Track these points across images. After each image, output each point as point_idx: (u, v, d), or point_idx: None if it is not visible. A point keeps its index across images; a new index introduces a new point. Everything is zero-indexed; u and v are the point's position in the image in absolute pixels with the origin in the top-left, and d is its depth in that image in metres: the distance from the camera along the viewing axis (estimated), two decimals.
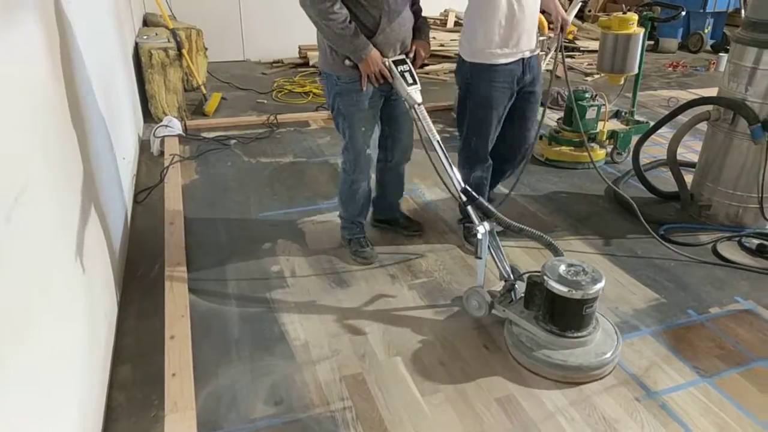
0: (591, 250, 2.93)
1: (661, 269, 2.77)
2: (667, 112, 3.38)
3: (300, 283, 2.63)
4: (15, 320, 1.28)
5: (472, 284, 2.39)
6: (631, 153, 3.69)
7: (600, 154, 3.95)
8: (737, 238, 3.02)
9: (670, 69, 7.14)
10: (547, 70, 4.61)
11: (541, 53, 2.74)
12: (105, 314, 2.18)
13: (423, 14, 2.57)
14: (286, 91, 5.73)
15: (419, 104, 2.39)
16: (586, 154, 3.85)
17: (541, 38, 2.68)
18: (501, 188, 3.20)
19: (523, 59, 2.58)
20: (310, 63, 6.60)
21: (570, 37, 7.62)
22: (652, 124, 3.56)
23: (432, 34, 5.32)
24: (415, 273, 2.72)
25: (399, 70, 2.38)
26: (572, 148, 3.92)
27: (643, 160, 3.85)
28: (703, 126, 3.25)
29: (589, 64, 6.80)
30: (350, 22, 2.28)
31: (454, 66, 6.45)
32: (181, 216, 3.12)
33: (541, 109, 2.87)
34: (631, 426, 1.89)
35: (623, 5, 4.80)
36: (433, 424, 1.90)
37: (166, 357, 2.09)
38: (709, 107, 3.12)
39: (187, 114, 4.79)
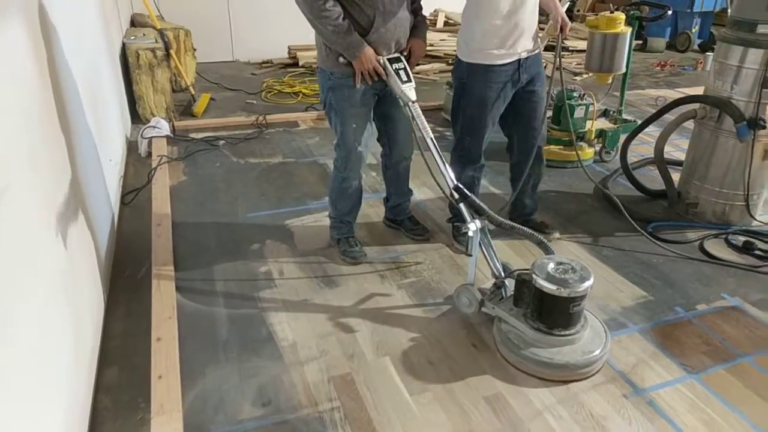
0: (580, 248, 2.94)
1: (648, 267, 2.79)
2: (654, 111, 3.40)
3: (288, 283, 2.62)
4: None
5: (462, 282, 2.39)
6: (619, 152, 3.71)
7: (589, 152, 3.96)
8: (724, 236, 3.04)
9: (658, 68, 7.19)
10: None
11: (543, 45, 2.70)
12: (91, 316, 2.16)
13: (423, 14, 2.57)
14: (276, 91, 5.72)
15: (413, 102, 2.40)
16: (574, 153, 3.87)
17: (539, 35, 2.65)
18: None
19: (519, 60, 2.56)
20: (300, 63, 6.59)
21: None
22: (639, 122, 3.58)
23: None
24: (404, 272, 2.72)
25: (394, 67, 2.39)
26: (561, 147, 3.93)
27: (632, 158, 3.88)
28: (690, 124, 3.28)
29: (577, 64, 6.83)
30: (344, 19, 2.29)
31: (443, 66, 6.49)
32: (168, 217, 3.10)
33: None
34: (619, 423, 1.90)
35: (611, 5, 4.83)
36: (422, 423, 1.89)
37: (152, 359, 2.08)
38: (696, 106, 3.14)
39: (175, 115, 4.77)
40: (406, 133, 2.74)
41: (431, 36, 6.85)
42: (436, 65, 6.49)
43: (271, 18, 6.86)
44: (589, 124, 3.94)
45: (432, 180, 3.47)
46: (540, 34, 2.72)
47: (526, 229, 2.27)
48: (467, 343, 2.26)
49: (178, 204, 3.31)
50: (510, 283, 2.31)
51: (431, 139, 2.39)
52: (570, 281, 2.01)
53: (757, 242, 2.94)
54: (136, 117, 4.62)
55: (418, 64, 6.24)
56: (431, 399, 1.99)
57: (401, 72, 2.40)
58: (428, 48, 6.58)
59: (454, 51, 2.77)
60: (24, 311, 1.45)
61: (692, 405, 1.97)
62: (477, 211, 2.29)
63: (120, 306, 2.47)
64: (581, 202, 3.40)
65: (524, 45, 2.55)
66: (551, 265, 2.07)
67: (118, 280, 2.64)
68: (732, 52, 2.93)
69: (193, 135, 4.40)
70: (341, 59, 2.37)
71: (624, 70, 3.93)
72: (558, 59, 2.58)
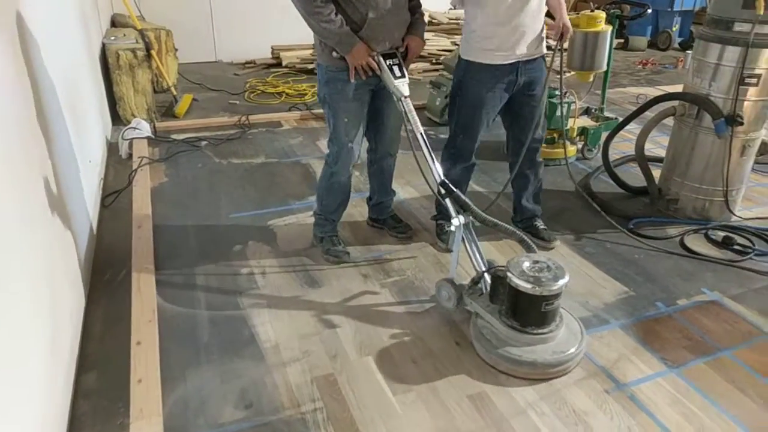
0: (563, 244, 2.95)
1: (630, 263, 2.81)
2: (635, 109, 3.43)
3: (271, 284, 2.60)
4: None
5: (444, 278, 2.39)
6: (600, 149, 3.73)
7: (571, 150, 3.99)
8: (704, 231, 3.07)
9: (640, 66, 7.26)
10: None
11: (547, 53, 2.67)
12: (69, 320, 2.12)
13: (421, 11, 2.58)
14: (259, 91, 5.69)
15: (406, 97, 2.42)
16: (557, 150, 3.90)
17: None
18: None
19: (518, 62, 2.54)
20: (283, 63, 6.56)
21: None
22: (621, 120, 3.60)
23: None
24: (388, 271, 2.71)
25: (388, 63, 2.41)
26: (544, 144, 3.94)
27: (613, 156, 3.91)
28: (670, 121, 3.31)
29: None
30: (336, 15, 2.31)
31: (427, 65, 6.50)
32: (149, 219, 3.06)
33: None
34: (601, 418, 1.91)
35: (591, 3, 4.86)
36: (405, 422, 1.89)
37: (131, 363, 2.05)
38: (675, 103, 3.17)
39: (157, 116, 4.72)
40: (394, 129, 2.74)
41: None
42: (420, 64, 6.49)
43: (254, 18, 6.83)
44: (571, 122, 3.97)
45: (416, 179, 3.50)
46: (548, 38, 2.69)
47: (508, 226, 2.28)
48: (450, 340, 2.26)
49: (160, 205, 3.27)
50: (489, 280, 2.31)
51: (421, 134, 2.41)
52: (543, 280, 2.01)
53: (736, 237, 2.97)
54: (117, 118, 4.56)
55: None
56: (414, 398, 1.98)
57: (395, 68, 2.42)
58: None
59: (438, 50, 2.77)
60: None
61: (673, 399, 1.99)
62: (462, 207, 2.30)
63: (100, 309, 2.43)
64: (564, 199, 3.42)
65: (524, 48, 2.52)
66: (527, 263, 2.07)
67: (98, 283, 2.60)
68: (710, 49, 2.96)
69: (174, 136, 4.36)
70: (334, 53, 2.40)
71: (605, 68, 3.95)
72: (560, 64, 2.57)
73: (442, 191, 2.33)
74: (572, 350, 2.09)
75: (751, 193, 3.55)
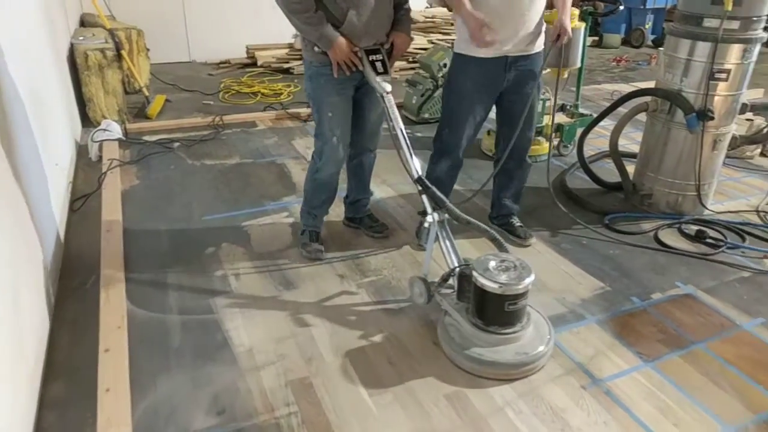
0: (539, 241, 2.95)
1: (606, 258, 2.82)
2: (609, 105, 3.45)
3: (245, 287, 2.55)
4: None
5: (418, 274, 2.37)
6: (576, 145, 3.75)
7: (546, 147, 3.99)
8: (677, 225, 3.10)
9: (614, 63, 7.34)
10: None
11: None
12: (34, 328, 2.06)
13: (407, 8, 2.55)
14: (234, 91, 5.61)
15: (388, 93, 2.41)
16: (533, 147, 3.90)
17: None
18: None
19: (507, 57, 2.50)
20: (259, 63, 6.49)
21: None
22: (595, 116, 3.63)
23: None
24: (364, 271, 2.68)
25: (371, 59, 2.41)
26: None
27: (589, 152, 3.93)
28: (644, 117, 3.33)
29: None
30: (316, 11, 2.31)
31: (404, 64, 6.48)
32: (119, 223, 2.99)
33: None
34: (578, 414, 1.91)
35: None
36: (381, 424, 1.86)
37: (99, 371, 1.99)
38: (647, 98, 3.20)
39: (128, 117, 4.62)
40: (374, 124, 2.72)
41: None
42: (396, 63, 6.47)
43: (229, 17, 6.75)
44: (546, 118, 3.98)
45: (392, 178, 3.47)
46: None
47: (481, 225, 2.27)
48: (428, 340, 2.24)
49: (130, 209, 3.20)
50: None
51: (401, 129, 2.40)
52: (507, 279, 1.99)
53: (708, 231, 3.00)
54: (87, 120, 4.46)
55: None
56: (391, 399, 1.96)
57: (378, 63, 2.42)
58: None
59: (414, 49, 2.75)
60: None
61: (648, 393, 1.99)
62: (438, 204, 2.28)
63: (67, 317, 2.36)
64: (540, 195, 3.42)
65: (515, 43, 2.48)
66: (493, 262, 2.05)
67: (66, 290, 2.53)
68: (681, 45, 2.99)
69: (146, 137, 4.27)
70: (316, 48, 2.41)
71: (579, 65, 3.98)
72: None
73: (419, 188, 2.31)
74: (536, 351, 2.06)
75: (723, 187, 3.60)
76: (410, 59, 6.39)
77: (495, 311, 2.04)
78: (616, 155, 3.35)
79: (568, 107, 4.30)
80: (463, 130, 2.68)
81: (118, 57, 4.55)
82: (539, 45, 2.59)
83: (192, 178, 3.64)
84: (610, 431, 1.84)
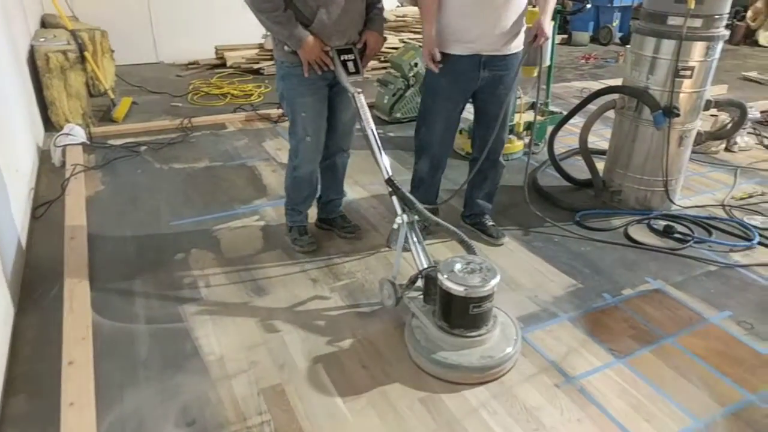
0: (512, 240, 2.96)
1: (577, 255, 2.84)
2: (578, 103, 3.48)
3: (215, 293, 2.50)
4: None
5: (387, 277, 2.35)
6: (546, 143, 3.78)
7: (518, 145, 4.03)
8: (646, 221, 3.15)
9: (583, 61, 7.43)
10: None
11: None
12: None
13: (381, 6, 2.53)
14: (203, 93, 5.52)
15: (359, 92, 2.40)
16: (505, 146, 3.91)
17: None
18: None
19: (480, 55, 2.49)
20: (228, 64, 6.40)
21: None
22: (565, 114, 3.66)
23: None
24: (337, 275, 2.65)
25: (342, 58, 2.39)
26: None
27: (560, 149, 3.97)
28: (613, 114, 3.37)
29: None
30: (285, 10, 2.28)
31: (375, 63, 6.45)
32: (83, 230, 2.90)
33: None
34: (552, 412, 1.91)
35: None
36: (356, 430, 1.84)
37: (63, 384, 1.92)
38: (615, 96, 3.23)
39: (93, 121, 4.50)
40: (347, 125, 2.70)
41: None
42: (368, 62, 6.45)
43: (196, 17, 6.64)
44: (517, 117, 4.00)
45: (364, 178, 3.45)
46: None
47: (450, 227, 2.25)
48: (401, 343, 2.21)
49: (95, 215, 3.11)
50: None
51: (372, 130, 2.38)
52: (471, 282, 1.96)
53: (676, 226, 3.05)
54: (50, 124, 4.33)
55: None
56: (365, 404, 1.94)
57: (349, 63, 2.40)
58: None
59: (386, 48, 2.73)
60: None
61: (621, 389, 2.01)
62: (407, 205, 2.26)
63: (30, 328, 2.28)
64: (512, 194, 3.43)
65: (488, 43, 2.47)
66: (458, 265, 2.03)
67: (28, 300, 2.44)
68: (646, 43, 3.03)
69: (112, 141, 4.17)
70: (286, 48, 2.39)
71: (549, 63, 4.01)
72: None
73: (389, 188, 2.29)
74: (502, 354, 2.04)
75: (690, 182, 3.66)
76: (381, 59, 6.37)
77: (460, 314, 2.01)
78: (586, 153, 3.38)
79: (538, 105, 4.32)
80: (437, 127, 2.68)
81: (82, 59, 4.43)
82: (518, 45, 2.56)
83: (160, 182, 3.56)
84: (583, 429, 1.85)
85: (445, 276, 1.98)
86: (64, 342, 2.12)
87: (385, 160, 2.36)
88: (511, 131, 4.01)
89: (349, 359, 2.14)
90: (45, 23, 5.40)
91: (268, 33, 2.45)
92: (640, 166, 3.22)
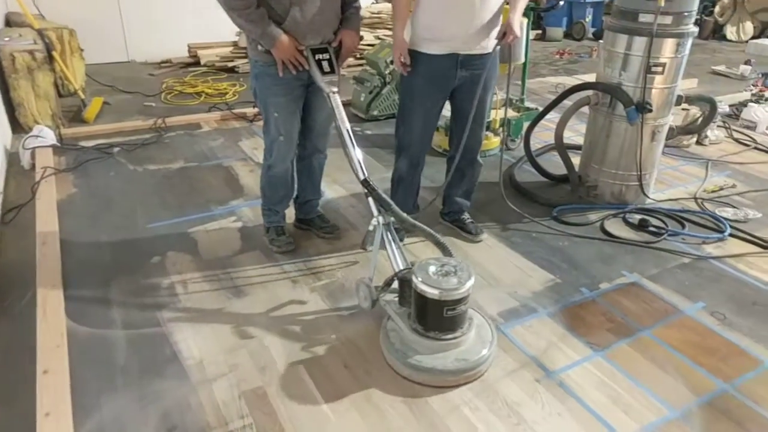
0: (490, 236, 2.98)
1: (555, 250, 2.88)
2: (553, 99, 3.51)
3: (193, 296, 2.47)
4: None
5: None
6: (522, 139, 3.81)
7: (495, 142, 4.05)
8: (622, 215, 3.20)
9: (558, 56, 7.51)
10: None
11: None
12: None
13: (357, 5, 2.51)
14: (177, 92, 5.43)
15: (334, 92, 2.37)
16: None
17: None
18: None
19: (457, 55, 2.48)
20: (202, 62, 6.31)
21: None
22: (541, 110, 3.69)
23: None
24: (318, 275, 2.64)
25: (317, 58, 2.36)
26: None
27: (536, 145, 4.01)
28: (588, 110, 3.41)
29: None
30: (257, 8, 2.25)
31: (351, 60, 6.42)
32: (55, 235, 2.84)
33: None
34: (532, 407, 1.93)
35: None
36: (339, 429, 1.83)
37: (38, 394, 1.88)
38: (589, 92, 3.27)
39: (64, 122, 4.40)
40: (323, 125, 2.68)
41: None
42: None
43: (169, 15, 6.52)
44: (493, 113, 4.02)
45: (343, 177, 3.43)
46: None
47: (426, 228, 2.24)
48: None
49: (68, 219, 3.04)
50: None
51: (347, 130, 2.36)
52: (444, 284, 1.94)
53: (650, 219, 3.11)
54: (18, 126, 4.21)
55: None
56: (348, 405, 1.93)
57: (324, 63, 2.38)
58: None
59: (362, 45, 2.72)
60: None
61: (599, 382, 2.04)
62: (383, 206, 2.25)
63: (1, 337, 2.22)
64: (490, 191, 3.45)
65: (464, 42, 2.46)
66: (433, 267, 2.01)
67: None
68: (618, 40, 3.07)
69: (83, 143, 4.07)
70: (260, 47, 2.35)
71: (523, 60, 4.04)
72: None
73: (365, 190, 2.27)
74: (477, 357, 2.02)
75: (663, 175, 3.73)
76: (357, 56, 6.35)
77: (434, 317, 1.99)
78: (562, 148, 3.42)
79: (514, 101, 4.36)
80: (415, 126, 2.68)
81: (49, 58, 4.32)
82: (490, 46, 2.54)
83: (134, 184, 3.50)
84: (564, 422, 1.88)
85: (420, 279, 1.96)
86: (39, 350, 2.08)
87: (359, 154, 2.33)
88: (488, 128, 4.03)
89: (330, 360, 2.13)
90: (9, 22, 5.24)
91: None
92: (615, 161, 3.27)
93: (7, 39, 4.24)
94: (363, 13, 7.00)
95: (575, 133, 4.38)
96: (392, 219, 2.27)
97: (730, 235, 3.01)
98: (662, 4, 2.80)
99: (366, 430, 1.84)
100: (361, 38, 2.59)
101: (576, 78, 6.25)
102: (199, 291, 2.50)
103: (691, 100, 3.54)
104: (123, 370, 2.06)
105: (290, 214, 3.03)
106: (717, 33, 9.18)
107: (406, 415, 1.89)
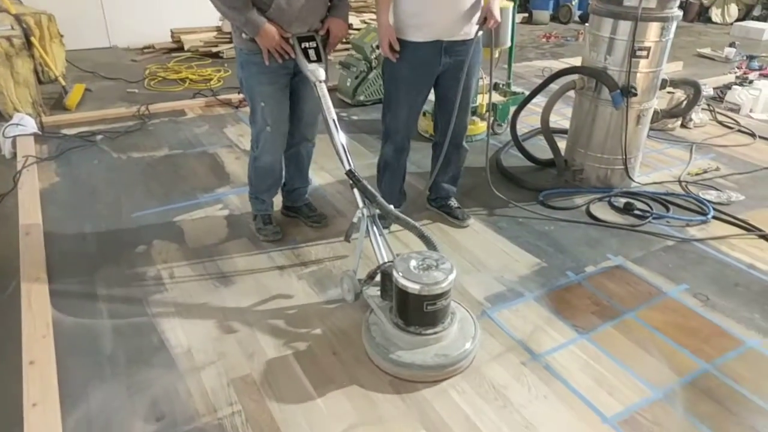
0: (477, 221, 2.99)
1: (541, 234, 2.90)
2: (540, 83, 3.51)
3: (180, 285, 2.46)
4: None
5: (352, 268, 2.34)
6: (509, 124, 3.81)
7: (481, 127, 4.05)
8: (607, 199, 3.22)
9: (544, 40, 7.50)
10: None
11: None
12: None
13: None
14: (160, 78, 5.36)
15: (321, 81, 2.35)
16: (469, 127, 3.94)
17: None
18: None
19: (440, 41, 2.47)
20: (185, 47, 6.22)
21: None
22: (527, 94, 3.69)
23: None
24: (305, 262, 2.64)
25: (303, 46, 2.33)
26: None
27: (523, 129, 4.01)
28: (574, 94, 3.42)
29: None
30: None
31: (338, 45, 6.37)
32: (39, 225, 2.81)
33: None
34: (518, 390, 1.96)
35: None
36: (327, 415, 1.85)
37: (24, 385, 1.87)
38: (575, 77, 3.28)
39: (45, 109, 4.32)
40: (311, 114, 2.66)
41: None
42: None
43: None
44: (480, 98, 4.02)
45: (330, 164, 3.42)
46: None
47: (410, 221, 2.22)
48: None
49: (51, 209, 3.00)
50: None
51: (333, 120, 2.33)
52: (426, 279, 1.91)
53: (635, 203, 3.14)
54: None
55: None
56: (336, 390, 1.94)
57: (310, 51, 2.35)
58: None
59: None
60: None
61: (584, 364, 2.07)
62: (368, 198, 2.23)
63: None
64: (476, 176, 3.46)
65: (447, 28, 2.45)
66: (414, 261, 1.98)
67: None
68: (603, 24, 3.07)
69: (65, 131, 4.01)
70: (244, 35, 2.32)
71: (509, 44, 4.02)
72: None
73: (350, 181, 2.25)
74: (458, 352, 2.00)
75: (648, 159, 3.76)
76: (344, 40, 6.29)
77: (415, 312, 1.97)
78: (548, 133, 3.43)
79: (500, 86, 4.36)
80: (401, 114, 2.67)
81: (28, 44, 4.24)
82: (472, 32, 2.53)
83: (118, 172, 3.46)
84: (549, 404, 1.90)
85: (400, 273, 1.94)
86: (24, 341, 2.07)
87: (345, 143, 2.31)
88: (474, 113, 4.03)
89: (319, 346, 2.14)
90: None
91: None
92: (600, 145, 3.28)
93: None
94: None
95: (562, 117, 4.39)
96: (377, 211, 2.25)
97: (714, 217, 3.05)
98: None
99: (354, 415, 1.85)
100: (350, 26, 2.56)
101: (562, 62, 6.25)
102: (185, 280, 2.50)
103: (675, 83, 3.55)
104: (110, 360, 2.05)
105: (277, 201, 3.01)
106: (702, 15, 9.21)
107: (393, 399, 1.91)
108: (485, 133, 4.08)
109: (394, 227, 2.83)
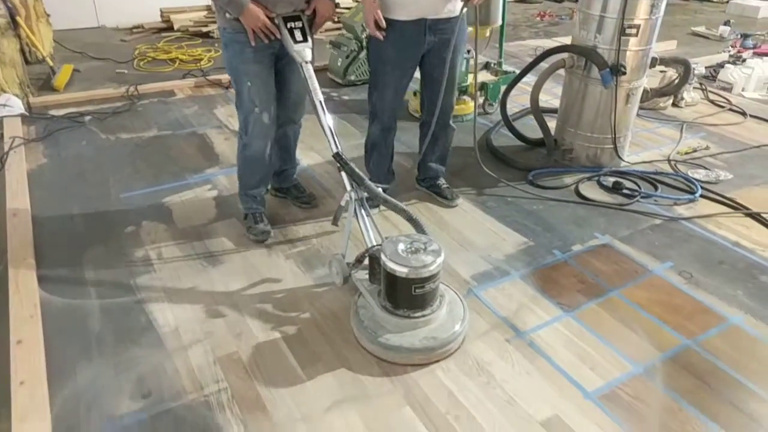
0: (465, 201, 3.00)
1: (529, 214, 2.91)
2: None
3: (168, 266, 2.46)
4: None
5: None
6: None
7: (472, 106, 4.03)
8: (596, 178, 3.23)
9: (538, 18, 7.43)
10: None
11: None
12: None
13: None
14: (150, 59, 5.30)
15: (307, 62, 2.32)
16: (459, 107, 3.92)
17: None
18: None
19: (425, 21, 2.46)
20: (175, 27, 6.15)
21: None
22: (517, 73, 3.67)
23: None
24: (293, 241, 2.65)
25: (289, 26, 2.30)
26: None
27: (514, 109, 4.00)
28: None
29: None
30: None
31: (328, 24, 6.29)
32: (27, 206, 2.80)
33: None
34: (502, 366, 1.98)
35: None
36: (314, 393, 1.87)
37: (12, 364, 1.89)
38: (565, 55, 3.26)
39: (32, 90, 4.29)
40: (298, 95, 2.63)
41: None
42: None
43: None
44: (470, 77, 3.99)
45: (318, 144, 3.41)
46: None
47: (398, 203, 2.22)
48: None
49: (39, 190, 3.00)
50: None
51: (320, 101, 2.32)
52: (413, 262, 1.91)
53: (624, 182, 3.14)
54: None
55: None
56: (323, 369, 1.97)
57: (296, 31, 2.31)
58: None
59: (338, 9, 2.65)
60: None
61: (568, 341, 2.09)
62: (356, 181, 2.22)
63: None
64: (465, 155, 3.45)
65: (431, 6, 2.43)
66: (402, 245, 1.97)
67: None
68: (593, 2, 3.04)
69: (53, 112, 3.98)
70: (227, 15, 2.28)
71: (500, 22, 3.99)
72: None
73: (338, 164, 2.23)
74: (447, 335, 2.00)
75: (638, 138, 3.76)
76: (334, 20, 6.22)
77: (403, 295, 1.97)
78: (538, 112, 3.42)
79: (491, 65, 4.33)
80: (388, 93, 2.66)
81: (14, 24, 4.18)
82: (456, 9, 2.51)
83: (106, 153, 3.44)
84: (532, 380, 1.93)
85: (388, 256, 1.94)
86: (12, 321, 2.08)
87: (330, 120, 2.30)
88: (465, 92, 4.01)
89: (306, 325, 2.15)
90: None
91: None
92: (590, 124, 3.28)
93: None
94: None
95: (552, 96, 4.37)
96: (365, 194, 2.24)
97: (702, 196, 3.06)
98: None
99: (341, 392, 1.88)
100: (337, 5, 2.53)
101: (555, 41, 6.20)
102: (174, 260, 2.50)
103: (665, 62, 3.54)
104: (98, 339, 2.07)
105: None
106: None
107: (380, 378, 1.93)
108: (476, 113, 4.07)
109: (383, 207, 2.83)
